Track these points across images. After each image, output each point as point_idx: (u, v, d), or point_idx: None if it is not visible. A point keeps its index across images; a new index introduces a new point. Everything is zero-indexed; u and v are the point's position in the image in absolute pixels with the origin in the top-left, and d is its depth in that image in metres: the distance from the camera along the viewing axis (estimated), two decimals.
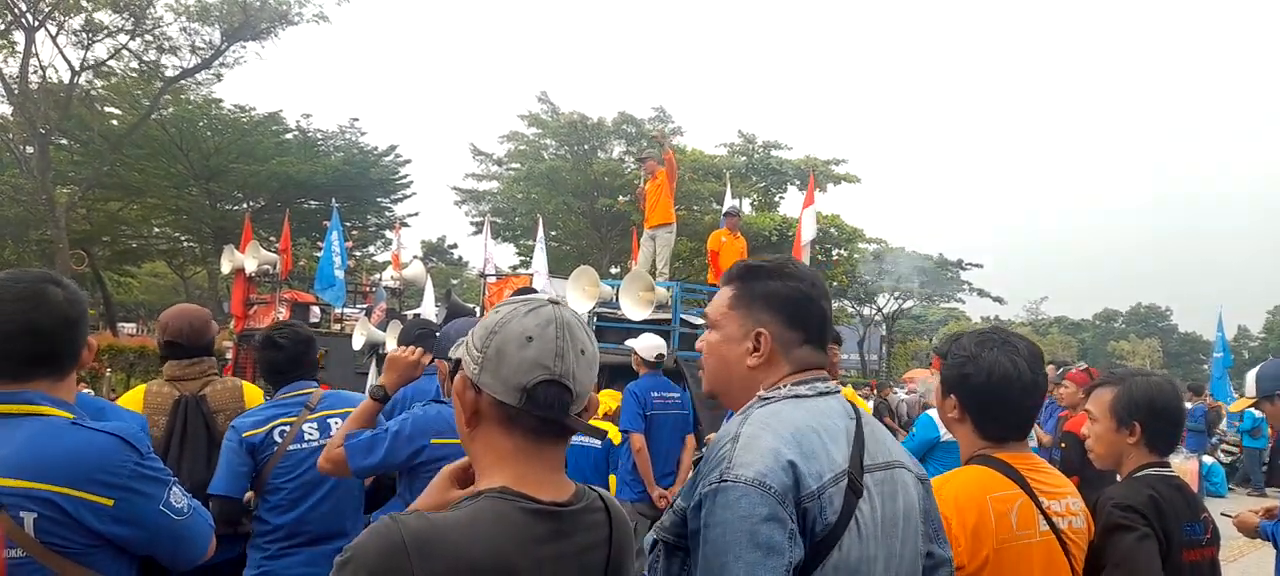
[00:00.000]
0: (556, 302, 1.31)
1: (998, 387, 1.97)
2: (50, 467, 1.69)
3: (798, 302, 1.60)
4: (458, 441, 2.68)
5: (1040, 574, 1.91)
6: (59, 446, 1.72)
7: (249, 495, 3.15)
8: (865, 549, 1.46)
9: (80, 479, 1.70)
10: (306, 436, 3.18)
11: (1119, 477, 2.47)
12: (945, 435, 4.77)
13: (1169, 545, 2.26)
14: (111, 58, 22.97)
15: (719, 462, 1.43)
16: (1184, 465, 10.68)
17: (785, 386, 1.57)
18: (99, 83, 24.02)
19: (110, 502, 1.73)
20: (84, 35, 21.78)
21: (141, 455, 1.80)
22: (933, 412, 5.22)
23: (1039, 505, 1.95)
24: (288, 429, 3.16)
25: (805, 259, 9.54)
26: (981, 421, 2.03)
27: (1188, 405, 13.68)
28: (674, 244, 10.63)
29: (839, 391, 1.63)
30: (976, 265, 45.80)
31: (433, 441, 2.77)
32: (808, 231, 10.86)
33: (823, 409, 1.55)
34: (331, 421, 3.24)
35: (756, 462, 1.40)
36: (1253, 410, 13.15)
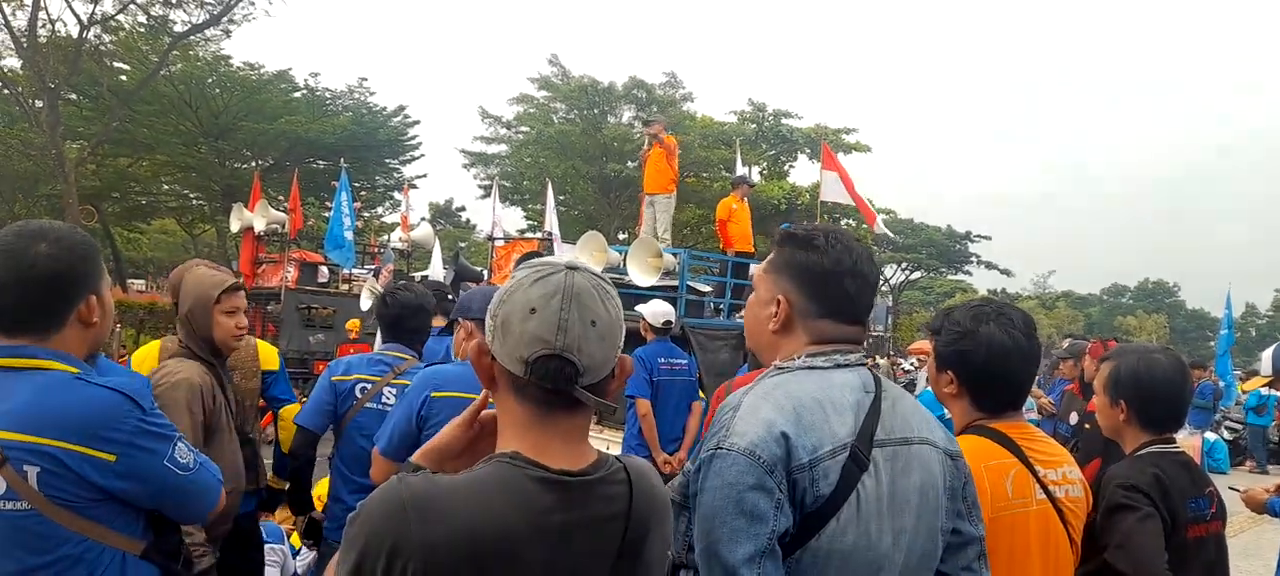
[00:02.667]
0: (574, 268, 1.25)
1: (997, 362, 1.96)
2: (53, 422, 1.69)
3: (817, 275, 1.61)
4: (458, 393, 2.72)
5: (1037, 541, 1.92)
6: (62, 401, 1.72)
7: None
8: (866, 523, 1.46)
9: (83, 434, 1.71)
10: (384, 398, 3.29)
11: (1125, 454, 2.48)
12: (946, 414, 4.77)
13: (1174, 523, 2.26)
14: (119, 12, 22.82)
15: (719, 430, 1.48)
16: (1187, 440, 10.66)
17: (801, 356, 1.59)
18: (107, 37, 23.86)
19: (113, 458, 1.73)
20: None
21: (144, 411, 1.80)
22: (929, 387, 5.23)
23: (1034, 473, 1.95)
24: (369, 386, 3.30)
25: (881, 224, 9.48)
26: (979, 395, 2.02)
27: (1197, 381, 13.76)
28: (673, 211, 10.61)
29: (861, 364, 1.63)
30: (984, 237, 45.62)
31: (433, 394, 2.81)
32: (829, 192, 10.81)
33: (835, 381, 1.56)
34: None
35: (750, 432, 1.44)
36: (1259, 388, 13.21)
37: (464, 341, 3.07)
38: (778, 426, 1.45)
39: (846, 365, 1.60)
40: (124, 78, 24.71)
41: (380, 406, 3.26)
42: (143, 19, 23.49)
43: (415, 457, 1.34)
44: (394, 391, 3.30)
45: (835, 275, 1.60)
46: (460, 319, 3.13)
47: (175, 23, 23.84)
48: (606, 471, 1.25)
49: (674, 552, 1.58)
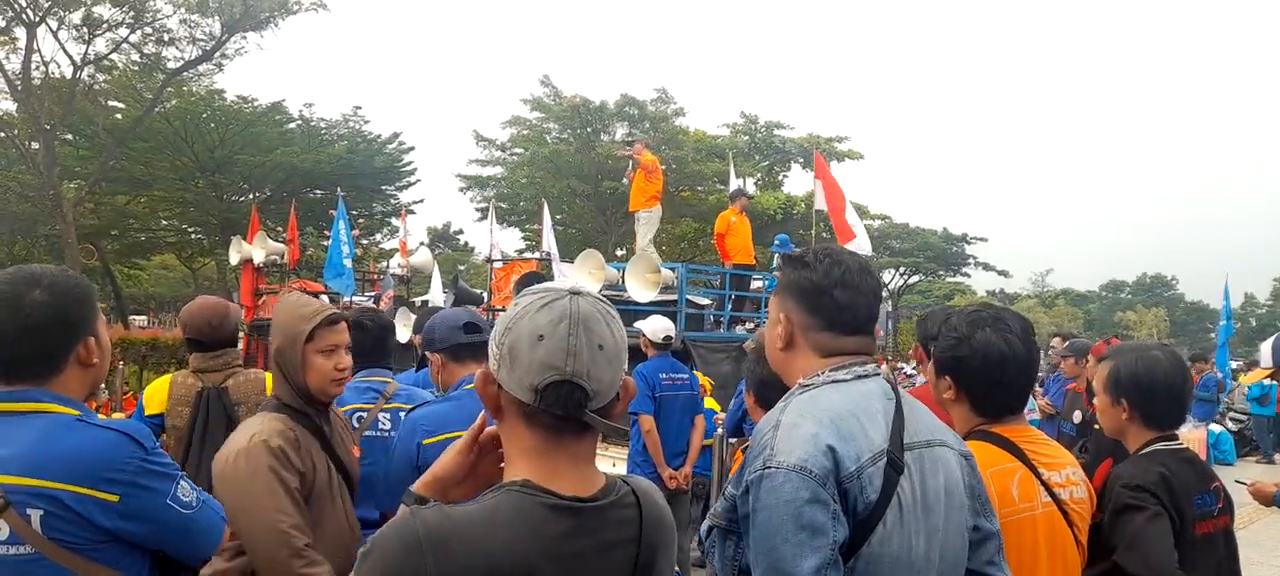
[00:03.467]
0: (578, 293, 1.25)
1: (994, 368, 1.96)
2: (55, 465, 1.69)
3: (808, 292, 1.69)
4: (448, 435, 2.68)
5: (1044, 544, 1.92)
6: (64, 444, 1.72)
7: None
8: (907, 525, 1.51)
9: (85, 476, 1.70)
10: (380, 426, 3.25)
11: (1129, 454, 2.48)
12: None
13: (1182, 521, 2.25)
14: (112, 51, 22.98)
15: (762, 450, 1.51)
16: (1192, 434, 10.59)
17: (824, 372, 1.64)
18: (101, 77, 24.01)
19: (116, 498, 1.72)
20: (84, 30, 21.77)
21: (147, 451, 1.79)
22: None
23: (1039, 476, 1.96)
24: (364, 415, 3.24)
25: (861, 241, 9.48)
26: (978, 400, 2.03)
27: (1199, 374, 13.73)
28: (658, 223, 10.74)
29: (879, 374, 1.68)
30: (981, 239, 45.65)
31: (423, 442, 2.72)
32: (822, 201, 10.77)
33: (861, 392, 1.61)
34: (402, 414, 3.27)
35: (797, 449, 1.48)
36: (1262, 380, 13.18)
37: (437, 372, 3.02)
38: (823, 439, 1.48)
39: (867, 376, 1.65)
40: (119, 116, 24.81)
41: (378, 433, 3.22)
42: (136, 57, 23.64)
43: (418, 487, 1.33)
44: (388, 416, 3.26)
45: (826, 289, 1.67)
46: (428, 352, 3.05)
47: (168, 60, 24.01)
48: (616, 496, 1.25)
49: None
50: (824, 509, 1.44)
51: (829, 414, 1.53)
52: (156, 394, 3.40)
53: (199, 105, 26.45)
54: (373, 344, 3.40)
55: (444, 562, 1.09)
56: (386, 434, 3.23)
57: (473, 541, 1.12)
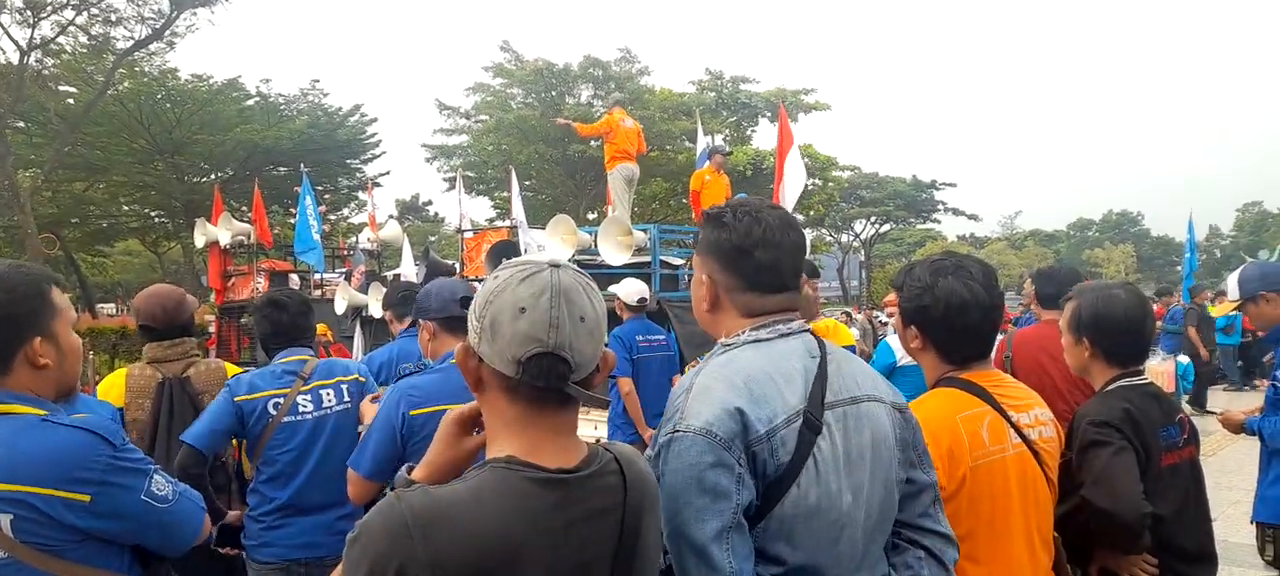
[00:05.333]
0: (557, 265, 1.25)
1: (956, 315, 1.98)
2: (23, 467, 1.67)
3: (728, 252, 1.66)
4: (436, 409, 2.66)
5: (1016, 485, 1.95)
6: (29, 445, 1.69)
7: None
8: (826, 484, 1.51)
9: (55, 477, 1.68)
10: (301, 409, 3.17)
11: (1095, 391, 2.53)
12: (903, 359, 4.85)
13: (1147, 454, 2.31)
14: (59, 34, 22.37)
15: (673, 414, 1.52)
16: (1160, 367, 10.80)
17: (746, 332, 1.63)
18: (50, 61, 23.40)
19: (87, 498, 1.70)
20: (29, 13, 21.17)
21: (116, 448, 1.77)
22: (891, 338, 5.35)
23: (1008, 419, 1.98)
24: (282, 401, 3.15)
25: (788, 199, 9.35)
26: (944, 348, 2.05)
27: (1166, 307, 13.96)
28: (635, 184, 10.65)
29: (805, 331, 1.66)
30: (950, 184, 46.06)
31: (411, 413, 2.67)
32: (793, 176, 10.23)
33: (781, 351, 1.60)
34: (323, 393, 3.22)
35: (704, 412, 1.48)
36: (1230, 311, 13.44)
37: (428, 341, 2.99)
38: (731, 402, 1.48)
39: (790, 334, 1.64)
40: (71, 101, 24.23)
41: (298, 417, 3.14)
42: (84, 39, 23.02)
43: (416, 476, 1.32)
44: (309, 398, 3.18)
45: (745, 249, 1.64)
46: (421, 319, 3.03)
47: (117, 40, 23.41)
48: (600, 465, 1.26)
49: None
50: (728, 472, 1.44)
51: (743, 375, 1.53)
52: (112, 388, 3.28)
53: (153, 86, 25.87)
54: (291, 324, 3.32)
55: (433, 544, 1.09)
56: (308, 416, 3.15)
57: (461, 520, 1.12)
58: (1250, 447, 3.84)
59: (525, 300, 1.20)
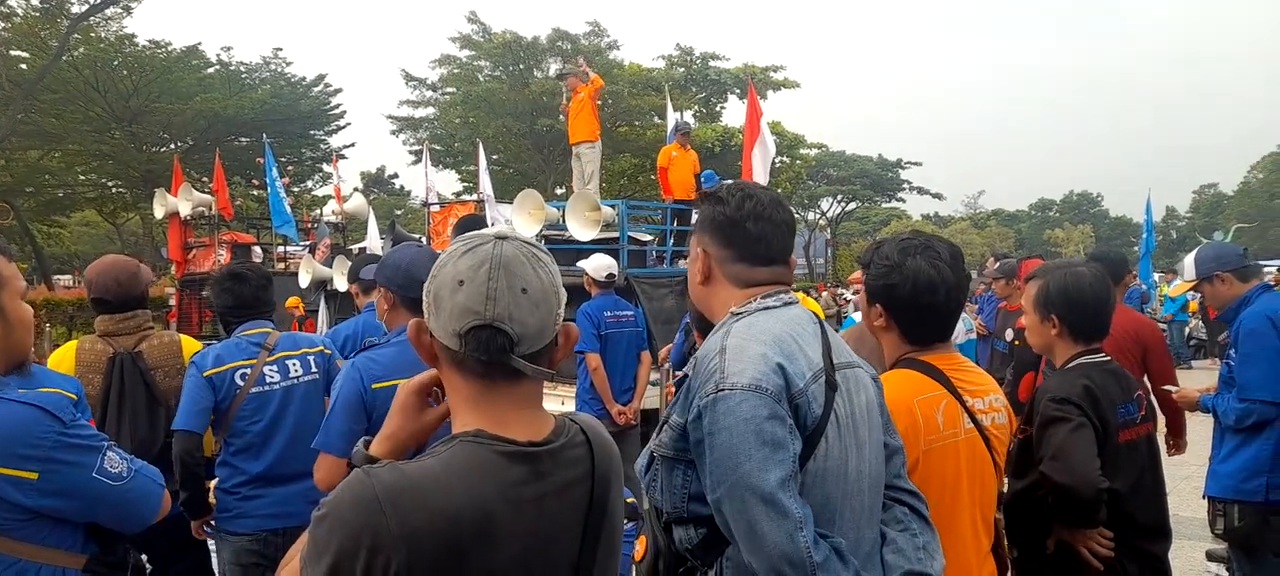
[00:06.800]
0: (504, 237, 1.23)
1: (923, 295, 1.98)
2: None
3: (722, 226, 1.75)
4: (395, 382, 2.61)
5: (965, 467, 1.98)
6: None
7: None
8: (845, 439, 1.59)
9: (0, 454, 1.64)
10: (268, 379, 3.16)
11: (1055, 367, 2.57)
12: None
13: (1105, 430, 2.35)
14: None
15: (712, 375, 1.55)
16: None
17: (755, 301, 1.69)
18: (1, 25, 22.72)
19: (35, 476, 1.66)
20: None
21: (65, 425, 1.72)
22: (856, 315, 5.39)
23: (963, 403, 2.00)
24: (248, 371, 3.14)
25: (759, 174, 9.38)
26: (908, 328, 2.06)
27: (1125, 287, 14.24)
28: (599, 160, 10.48)
29: (798, 301, 1.75)
30: (915, 164, 46.46)
31: (372, 387, 2.62)
32: (761, 152, 10.19)
33: (793, 316, 1.68)
34: (290, 363, 3.21)
35: (749, 369, 1.52)
36: (1186, 293, 13.78)
37: (386, 311, 2.88)
38: (772, 358, 1.54)
39: (791, 303, 1.71)
40: (24, 67, 23.55)
41: (265, 388, 3.14)
42: (36, 2, 22.37)
43: (374, 450, 1.31)
44: (275, 369, 3.18)
45: (737, 221, 1.72)
46: (382, 286, 2.91)
47: (71, 3, 22.76)
48: (568, 437, 1.26)
49: (669, 506, 1.65)
50: (781, 424, 1.49)
51: (771, 336, 1.58)
52: (62, 361, 3.21)
53: (109, 51, 25.25)
54: (252, 297, 3.30)
55: (405, 519, 1.07)
56: (275, 386, 3.16)
57: (432, 494, 1.10)
58: (1202, 424, 3.93)
59: (464, 273, 1.18)
